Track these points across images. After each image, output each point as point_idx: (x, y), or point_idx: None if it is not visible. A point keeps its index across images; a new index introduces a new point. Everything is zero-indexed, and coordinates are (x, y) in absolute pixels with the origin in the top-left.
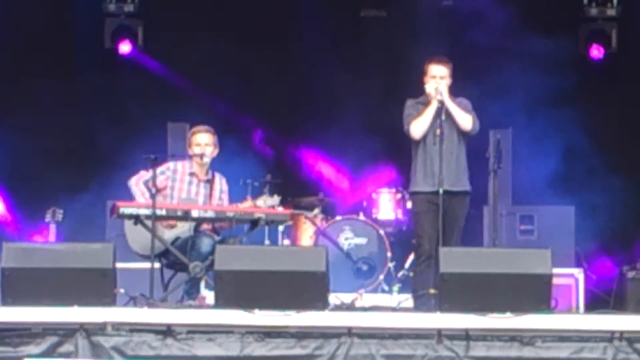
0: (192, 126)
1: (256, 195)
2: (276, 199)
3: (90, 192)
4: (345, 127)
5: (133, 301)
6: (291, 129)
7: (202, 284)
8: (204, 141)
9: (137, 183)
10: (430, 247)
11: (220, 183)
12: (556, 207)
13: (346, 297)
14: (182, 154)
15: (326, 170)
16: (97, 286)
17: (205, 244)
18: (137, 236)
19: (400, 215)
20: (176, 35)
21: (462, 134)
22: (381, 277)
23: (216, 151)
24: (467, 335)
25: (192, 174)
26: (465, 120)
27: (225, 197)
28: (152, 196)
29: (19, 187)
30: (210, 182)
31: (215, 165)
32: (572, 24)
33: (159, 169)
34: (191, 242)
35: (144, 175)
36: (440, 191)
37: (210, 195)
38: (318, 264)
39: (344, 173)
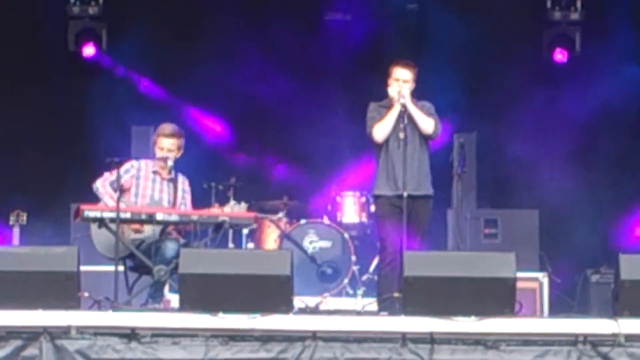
0: (159, 124)
1: (221, 198)
2: (243, 206)
3: (55, 195)
4: (310, 130)
5: (97, 304)
6: (256, 132)
7: (167, 288)
8: (166, 146)
9: (104, 185)
10: (394, 250)
11: (183, 183)
12: (520, 211)
13: (311, 301)
14: (146, 157)
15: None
16: (61, 289)
17: (169, 248)
18: (102, 238)
19: (364, 219)
20: (140, 38)
21: (425, 137)
22: (345, 280)
23: (180, 152)
24: (431, 339)
25: (155, 172)
26: (427, 124)
27: (188, 197)
28: (117, 199)
29: None
30: (173, 181)
31: (179, 167)
32: (536, 28)
33: (123, 168)
34: (155, 247)
35: (109, 177)
36: (405, 195)
37: (174, 195)
38: (282, 268)
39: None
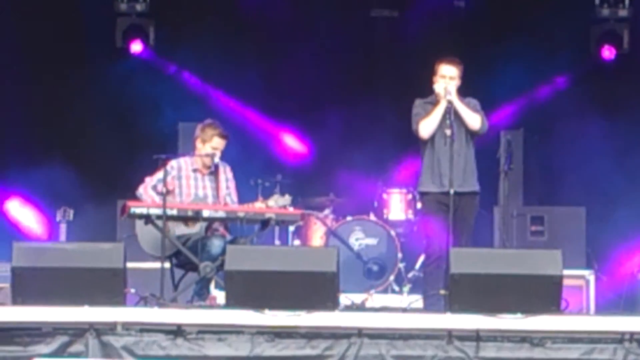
0: (206, 122)
1: (267, 195)
2: (287, 198)
3: (102, 192)
4: (356, 127)
5: (143, 301)
6: (303, 129)
7: (212, 284)
8: (220, 147)
9: (146, 191)
10: (440, 247)
11: (225, 172)
12: (567, 208)
13: (356, 298)
14: (185, 154)
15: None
16: (108, 286)
17: (215, 245)
18: (147, 236)
19: (410, 216)
20: (187, 35)
21: (471, 134)
22: (391, 277)
23: None
24: (477, 336)
25: (195, 170)
26: (474, 120)
27: (232, 185)
28: (163, 196)
29: (30, 186)
30: (214, 173)
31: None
32: (584, 25)
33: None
34: (201, 244)
35: (150, 181)
36: (451, 191)
37: (217, 187)
38: (328, 265)
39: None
